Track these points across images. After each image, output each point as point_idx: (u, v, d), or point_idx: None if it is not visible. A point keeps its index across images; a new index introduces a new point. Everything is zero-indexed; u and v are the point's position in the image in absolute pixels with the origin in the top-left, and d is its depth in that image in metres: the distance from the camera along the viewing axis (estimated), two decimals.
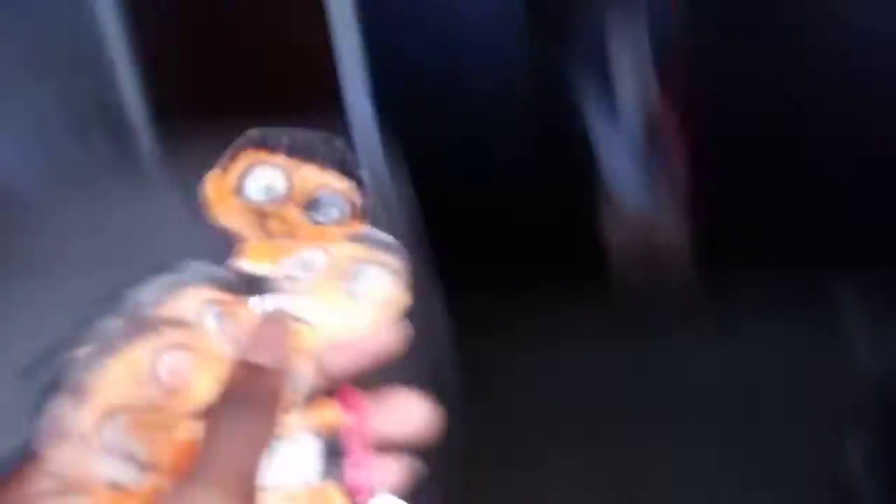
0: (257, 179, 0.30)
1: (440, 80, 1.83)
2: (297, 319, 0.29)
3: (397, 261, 0.30)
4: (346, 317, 0.30)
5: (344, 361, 0.30)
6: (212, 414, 0.26)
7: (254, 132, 0.31)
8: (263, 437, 0.26)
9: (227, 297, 0.29)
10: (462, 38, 1.81)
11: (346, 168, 0.31)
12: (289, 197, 0.31)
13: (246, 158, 0.30)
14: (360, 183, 0.31)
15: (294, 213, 0.31)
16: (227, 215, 0.30)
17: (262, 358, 0.28)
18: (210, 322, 0.28)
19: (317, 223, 0.31)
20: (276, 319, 0.29)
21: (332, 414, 0.29)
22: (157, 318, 0.27)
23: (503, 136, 1.81)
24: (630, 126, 1.76)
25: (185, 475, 0.25)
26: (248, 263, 0.30)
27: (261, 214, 0.30)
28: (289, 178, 0.31)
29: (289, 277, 0.30)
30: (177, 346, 0.27)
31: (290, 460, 0.28)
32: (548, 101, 1.77)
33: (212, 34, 1.83)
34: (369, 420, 0.29)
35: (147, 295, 0.27)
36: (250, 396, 0.27)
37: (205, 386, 0.27)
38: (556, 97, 1.76)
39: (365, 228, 0.31)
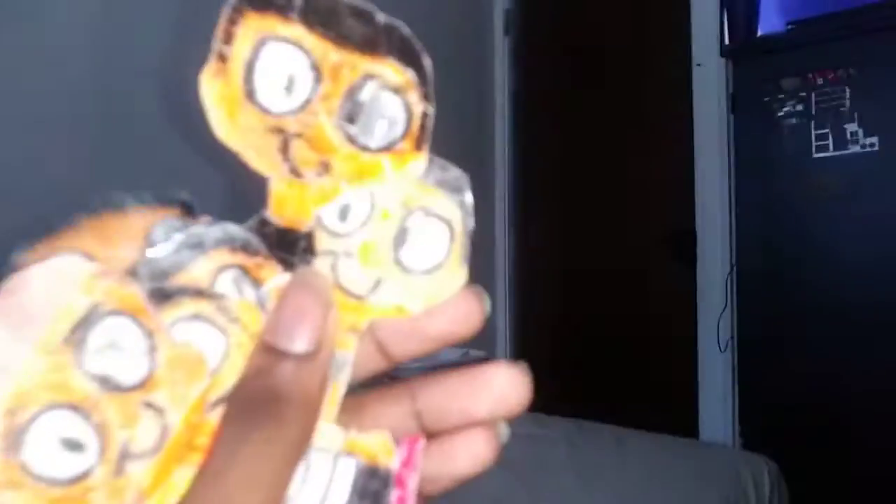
0: (273, 65, 0.20)
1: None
2: (341, 288, 0.21)
3: (461, 214, 0.22)
4: (397, 293, 0.22)
5: (406, 341, 0.23)
6: (223, 419, 0.19)
7: None
8: (290, 455, 0.19)
9: (248, 259, 0.21)
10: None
11: (404, 49, 0.21)
12: (317, 97, 0.21)
13: (248, 28, 0.20)
14: (422, 75, 0.21)
15: (326, 127, 0.21)
16: (240, 138, 0.21)
17: (291, 341, 0.20)
18: (226, 289, 0.20)
19: (359, 145, 0.21)
20: (311, 285, 0.20)
21: (378, 441, 0.21)
22: (171, 288, 0.20)
23: None
24: None
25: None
26: (273, 217, 0.21)
27: (282, 133, 0.21)
28: (314, 62, 0.21)
29: (326, 232, 0.21)
30: (194, 317, 0.20)
31: (313, 485, 0.20)
32: None
33: None
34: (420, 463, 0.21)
35: (158, 262, 0.20)
36: (274, 396, 0.19)
37: (231, 365, 0.20)
38: None
39: (424, 158, 0.22)
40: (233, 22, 0.20)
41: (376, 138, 0.21)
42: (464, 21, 2.31)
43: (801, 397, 1.67)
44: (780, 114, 1.74)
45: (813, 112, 1.70)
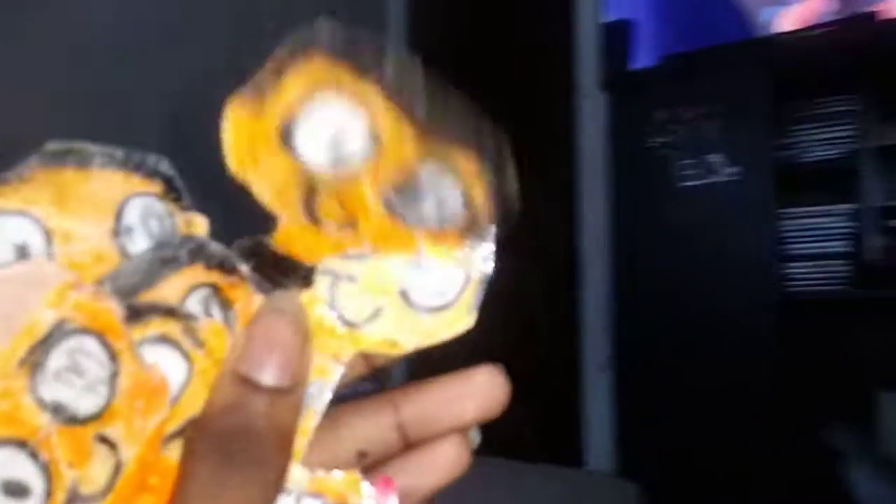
0: (323, 119, 0.18)
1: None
2: (331, 314, 0.20)
3: (482, 262, 0.21)
4: (395, 327, 0.20)
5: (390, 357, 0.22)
6: (192, 458, 0.18)
7: (328, 29, 0.18)
8: (270, 499, 0.18)
9: (223, 278, 0.19)
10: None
11: (494, 154, 0.19)
12: (368, 165, 0.19)
13: (309, 71, 0.18)
14: (502, 182, 0.20)
15: (368, 196, 0.19)
16: (258, 176, 0.19)
17: (268, 374, 0.18)
18: (194, 309, 0.18)
19: (401, 221, 0.20)
20: (289, 313, 0.19)
21: (347, 480, 0.20)
22: (141, 306, 0.18)
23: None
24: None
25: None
26: (275, 246, 0.20)
27: (310, 185, 0.19)
28: (377, 131, 0.19)
29: (330, 268, 0.20)
30: (160, 339, 0.18)
31: None
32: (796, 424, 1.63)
33: None
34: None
35: (130, 277, 0.18)
36: (249, 434, 0.18)
37: (191, 394, 0.18)
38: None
39: (466, 251, 0.20)
40: (293, 57, 0.18)
41: (421, 217, 0.20)
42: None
43: (676, 419, 1.73)
44: (653, 145, 1.81)
45: (681, 143, 1.78)
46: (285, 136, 0.19)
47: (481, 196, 0.20)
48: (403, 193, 0.19)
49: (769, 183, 1.68)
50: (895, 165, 1.71)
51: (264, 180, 0.19)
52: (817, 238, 1.71)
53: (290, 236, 0.20)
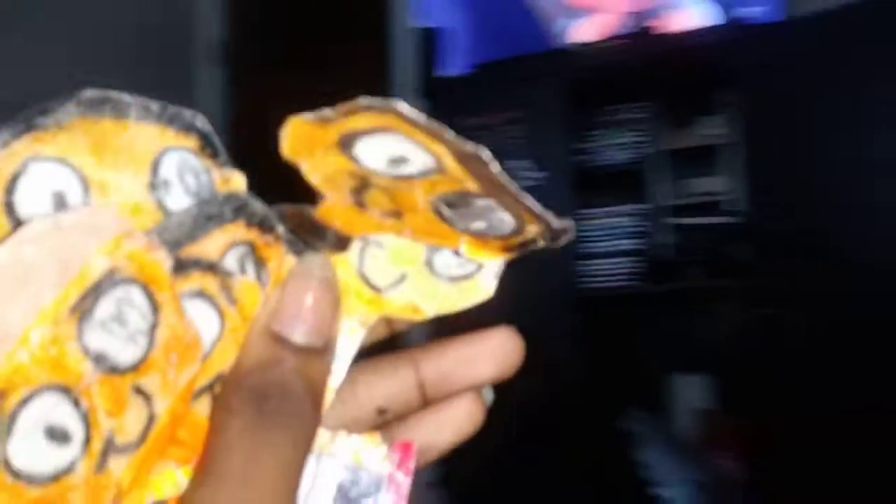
0: (387, 141, 0.19)
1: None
2: (361, 277, 0.21)
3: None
4: (417, 293, 0.21)
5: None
6: (227, 414, 0.18)
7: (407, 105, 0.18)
8: (306, 456, 0.18)
9: (260, 237, 0.19)
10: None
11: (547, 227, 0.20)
12: (423, 178, 0.19)
13: (367, 120, 0.18)
14: (550, 231, 0.20)
15: (419, 198, 0.20)
16: (311, 162, 0.20)
17: (304, 334, 0.19)
18: (231, 266, 0.19)
19: (447, 223, 0.20)
20: (322, 276, 0.19)
21: (367, 441, 0.20)
22: (186, 259, 0.18)
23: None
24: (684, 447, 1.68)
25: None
26: (314, 214, 0.21)
27: (361, 179, 0.20)
28: (440, 161, 0.19)
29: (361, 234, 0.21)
30: (197, 293, 0.18)
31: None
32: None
33: None
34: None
35: (175, 230, 0.18)
36: (285, 391, 0.18)
37: (221, 351, 0.18)
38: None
39: (502, 261, 0.22)
40: (367, 106, 0.18)
41: (468, 225, 0.20)
42: (170, 48, 2.24)
43: (488, 421, 1.78)
44: None
45: (490, 150, 1.84)
46: (344, 145, 0.19)
47: (533, 230, 0.21)
48: (455, 206, 0.20)
49: (568, 186, 1.78)
50: (683, 168, 1.86)
51: (317, 168, 0.20)
52: (612, 237, 1.83)
53: (331, 211, 0.21)
